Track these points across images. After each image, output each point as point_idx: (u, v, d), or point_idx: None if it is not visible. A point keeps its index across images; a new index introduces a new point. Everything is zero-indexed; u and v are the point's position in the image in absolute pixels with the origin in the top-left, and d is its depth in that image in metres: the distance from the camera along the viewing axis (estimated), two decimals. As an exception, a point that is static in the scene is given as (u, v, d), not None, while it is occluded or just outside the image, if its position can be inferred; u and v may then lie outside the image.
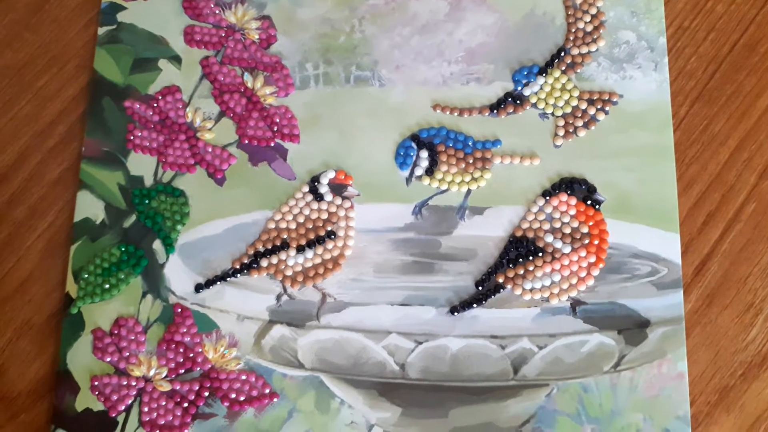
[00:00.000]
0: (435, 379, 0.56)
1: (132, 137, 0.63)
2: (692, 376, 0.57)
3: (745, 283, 0.59)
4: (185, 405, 0.57)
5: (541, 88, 0.61)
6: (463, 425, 0.55)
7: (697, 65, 0.62)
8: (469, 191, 0.60)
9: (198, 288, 0.59)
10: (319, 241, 0.59)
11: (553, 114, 0.61)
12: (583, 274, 0.57)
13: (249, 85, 0.63)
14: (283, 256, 0.59)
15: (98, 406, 0.58)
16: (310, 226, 0.60)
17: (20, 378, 0.60)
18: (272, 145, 0.62)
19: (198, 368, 0.58)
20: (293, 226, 0.60)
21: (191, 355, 0.58)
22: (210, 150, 0.62)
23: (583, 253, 0.58)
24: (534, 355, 0.56)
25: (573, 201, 0.59)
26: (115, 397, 0.57)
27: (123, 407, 0.57)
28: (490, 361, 0.56)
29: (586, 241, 0.58)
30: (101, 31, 0.66)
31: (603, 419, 0.55)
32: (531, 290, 0.57)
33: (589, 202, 0.59)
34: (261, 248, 0.60)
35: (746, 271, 0.59)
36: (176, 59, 0.64)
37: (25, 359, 0.60)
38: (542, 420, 0.55)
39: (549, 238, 0.58)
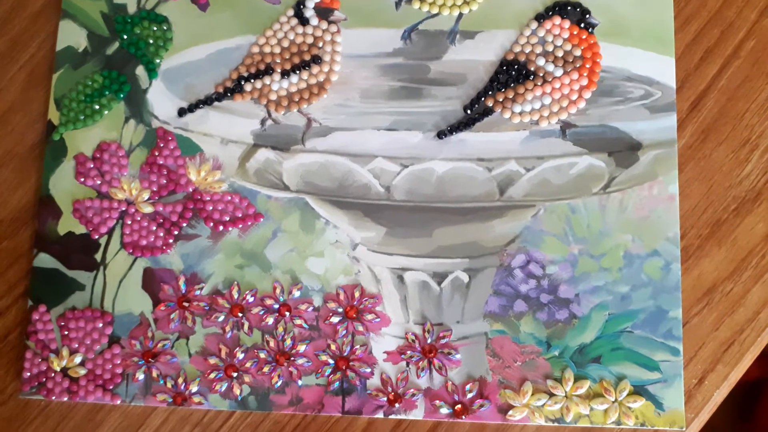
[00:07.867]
0: (420, 200, 0.55)
1: (114, -35, 0.61)
2: (684, 210, 0.56)
3: (741, 119, 0.57)
4: (168, 226, 0.56)
5: None
6: (447, 244, 0.55)
7: None
8: (460, 15, 0.58)
9: (181, 112, 0.58)
10: (304, 65, 0.58)
11: (548, -64, 0.59)
12: (574, 96, 0.56)
13: None
14: (267, 80, 0.58)
15: (80, 229, 0.57)
16: (295, 51, 0.58)
17: (2, 206, 0.59)
18: (258, -31, 0.60)
19: (181, 191, 0.57)
20: (278, 50, 0.58)
21: (174, 177, 0.57)
22: (194, -25, 0.60)
23: (575, 76, 0.56)
24: (521, 177, 0.55)
25: (566, 24, 0.57)
26: (97, 220, 0.57)
27: (105, 230, 0.57)
28: (475, 183, 0.55)
29: (579, 64, 0.56)
30: None
31: (590, 239, 0.54)
32: (520, 113, 0.56)
33: (582, 25, 0.57)
34: (245, 73, 0.58)
35: (743, 107, 0.58)
36: None
37: (8, 188, 0.59)
38: (528, 240, 0.55)
39: (541, 62, 0.57)
